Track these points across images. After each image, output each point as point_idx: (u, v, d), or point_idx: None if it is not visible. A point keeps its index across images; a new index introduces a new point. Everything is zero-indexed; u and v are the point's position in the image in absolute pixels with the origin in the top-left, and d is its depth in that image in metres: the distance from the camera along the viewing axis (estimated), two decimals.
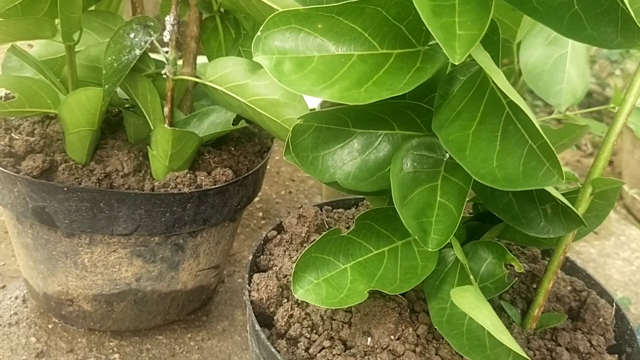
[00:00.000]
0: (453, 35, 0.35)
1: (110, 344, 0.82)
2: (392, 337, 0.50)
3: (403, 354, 0.49)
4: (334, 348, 0.50)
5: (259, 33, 0.41)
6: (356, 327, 0.52)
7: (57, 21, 0.66)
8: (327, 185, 0.50)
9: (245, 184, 0.77)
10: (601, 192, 0.51)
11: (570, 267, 0.67)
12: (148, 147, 0.72)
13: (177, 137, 0.68)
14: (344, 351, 0.50)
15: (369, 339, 0.50)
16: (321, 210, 0.66)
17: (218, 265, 0.86)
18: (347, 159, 0.48)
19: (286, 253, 0.61)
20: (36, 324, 0.83)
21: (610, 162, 1.59)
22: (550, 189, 0.44)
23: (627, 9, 0.37)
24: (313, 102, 1.10)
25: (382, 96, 0.40)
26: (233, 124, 0.75)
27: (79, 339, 0.82)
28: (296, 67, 0.41)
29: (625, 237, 1.31)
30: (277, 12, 0.41)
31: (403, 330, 0.51)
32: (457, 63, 0.34)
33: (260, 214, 1.19)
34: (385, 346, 0.50)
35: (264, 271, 0.59)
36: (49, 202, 0.67)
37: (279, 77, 0.41)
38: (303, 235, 0.61)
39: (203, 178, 0.73)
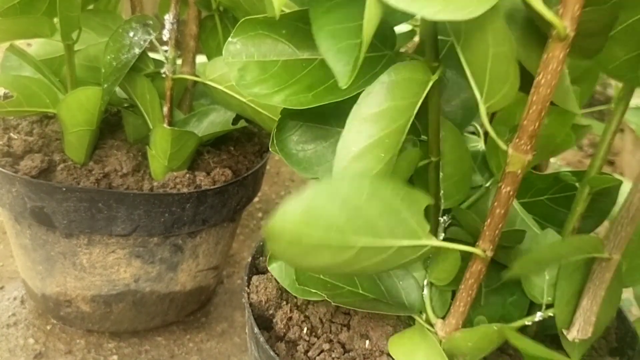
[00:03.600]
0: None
1: (109, 345, 0.81)
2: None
3: None
4: (333, 351, 0.49)
5: (230, 39, 0.43)
6: (354, 330, 0.51)
7: (55, 20, 0.66)
8: None
9: (244, 184, 0.77)
10: (602, 190, 0.51)
11: None
12: (147, 146, 0.72)
13: (176, 137, 0.68)
14: (343, 354, 0.50)
15: (367, 341, 0.50)
16: None
17: (217, 266, 0.85)
18: (330, 156, 0.48)
19: None
20: (34, 325, 0.83)
21: (612, 163, 1.58)
22: None
23: None
24: None
25: (325, 100, 0.41)
26: (232, 124, 0.74)
27: (78, 340, 0.81)
28: (260, 71, 0.43)
29: None
30: (245, 18, 0.43)
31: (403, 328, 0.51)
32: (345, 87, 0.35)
33: (260, 214, 1.19)
34: (383, 349, 0.49)
35: (263, 273, 0.58)
36: (47, 202, 0.67)
37: (238, 80, 0.43)
38: None
39: (202, 178, 0.73)
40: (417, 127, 0.48)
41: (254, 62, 0.43)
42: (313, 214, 0.35)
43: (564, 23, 0.32)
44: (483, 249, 0.42)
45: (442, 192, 0.48)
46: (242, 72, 0.43)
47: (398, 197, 0.38)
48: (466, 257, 0.45)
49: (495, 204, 0.40)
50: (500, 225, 0.41)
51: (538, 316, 0.47)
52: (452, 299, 0.48)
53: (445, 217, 0.48)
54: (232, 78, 0.43)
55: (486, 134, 0.57)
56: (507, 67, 0.36)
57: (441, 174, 0.47)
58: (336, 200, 0.35)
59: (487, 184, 0.51)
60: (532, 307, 0.50)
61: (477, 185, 0.52)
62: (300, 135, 0.48)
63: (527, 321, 0.47)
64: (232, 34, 0.44)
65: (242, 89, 0.43)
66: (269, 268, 0.49)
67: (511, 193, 0.39)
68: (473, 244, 0.43)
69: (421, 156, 0.46)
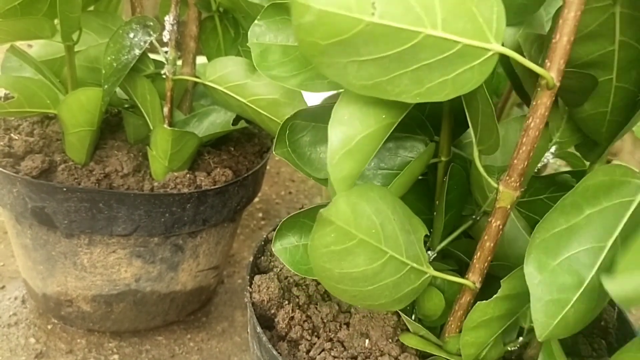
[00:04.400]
0: None
1: (110, 344, 0.82)
2: (390, 340, 0.50)
3: (404, 358, 0.49)
4: (333, 350, 0.50)
5: (256, 21, 0.44)
6: (354, 328, 0.52)
7: (56, 21, 0.66)
8: (326, 186, 0.50)
9: (244, 185, 0.77)
10: None
11: None
12: (147, 147, 0.72)
13: (176, 138, 0.68)
14: (343, 352, 0.50)
15: (367, 340, 0.50)
16: None
17: (218, 266, 0.86)
18: None
19: None
20: (35, 324, 0.83)
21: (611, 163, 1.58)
22: None
23: None
24: (313, 102, 1.09)
25: (340, 89, 0.41)
26: (233, 124, 0.74)
27: (78, 340, 0.81)
28: (281, 54, 0.44)
29: None
30: (272, 3, 0.43)
31: (402, 333, 0.51)
32: None
33: (260, 214, 1.19)
34: (383, 349, 0.49)
35: (265, 272, 0.58)
36: (48, 202, 0.67)
37: (259, 62, 0.44)
38: None
39: (202, 178, 0.73)
40: (429, 129, 0.49)
41: (277, 45, 0.44)
42: (359, 213, 0.37)
43: (551, 74, 0.35)
44: (473, 281, 0.43)
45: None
46: (264, 54, 0.44)
47: (408, 219, 0.40)
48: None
49: (486, 237, 0.41)
50: (489, 258, 0.42)
51: (519, 341, 0.47)
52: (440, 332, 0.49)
53: (430, 252, 0.49)
54: (254, 59, 0.44)
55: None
56: (492, 124, 0.39)
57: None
58: (373, 207, 0.38)
59: (475, 216, 0.50)
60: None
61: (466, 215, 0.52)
62: (312, 137, 0.48)
63: (511, 347, 0.48)
64: (258, 17, 0.44)
65: (263, 70, 0.44)
66: (273, 249, 0.50)
67: (501, 227, 0.41)
68: (458, 272, 0.44)
69: (430, 155, 0.47)
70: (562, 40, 0.34)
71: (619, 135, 0.42)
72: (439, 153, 0.48)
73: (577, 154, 0.51)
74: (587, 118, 0.43)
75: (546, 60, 0.35)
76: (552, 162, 1.44)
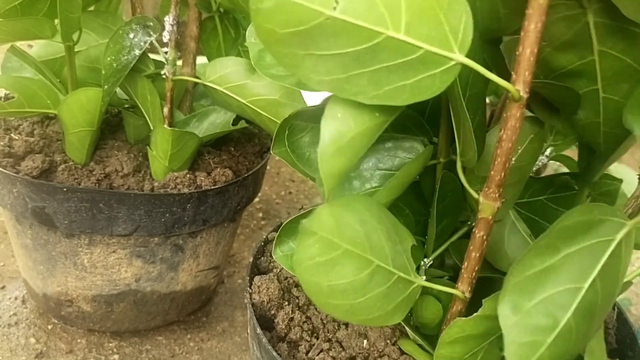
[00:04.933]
0: None
1: (110, 344, 0.82)
2: (389, 341, 0.50)
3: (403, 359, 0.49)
4: (332, 350, 0.50)
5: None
6: (353, 328, 0.52)
7: (56, 21, 0.66)
8: None
9: (245, 185, 0.77)
10: (602, 192, 0.51)
11: None
12: (148, 147, 0.72)
13: (176, 138, 0.68)
14: (341, 352, 0.50)
15: (365, 341, 0.50)
16: None
17: (218, 266, 0.86)
18: None
19: None
20: (36, 324, 0.83)
21: None
22: None
23: None
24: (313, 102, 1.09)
25: None
26: (233, 125, 0.75)
27: (79, 340, 0.81)
28: None
29: None
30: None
31: (400, 335, 0.51)
32: None
33: (260, 214, 1.19)
34: (381, 350, 0.49)
35: (265, 273, 0.58)
36: (48, 202, 0.67)
37: (257, 61, 0.44)
38: None
39: (203, 178, 0.73)
40: (428, 130, 0.49)
41: None
42: (342, 223, 0.37)
43: (516, 87, 0.34)
44: (462, 291, 0.43)
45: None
46: (262, 53, 0.44)
47: (394, 229, 0.40)
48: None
49: (471, 247, 0.41)
50: (476, 268, 0.42)
51: None
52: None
53: (426, 260, 0.49)
54: (252, 58, 0.44)
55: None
56: (470, 137, 0.39)
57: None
58: (357, 217, 0.37)
59: (470, 222, 0.51)
60: None
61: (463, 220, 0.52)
62: (311, 137, 0.48)
63: None
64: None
65: (260, 69, 0.44)
66: (274, 257, 0.50)
67: (485, 237, 0.41)
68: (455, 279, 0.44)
69: (429, 157, 0.47)
70: (525, 53, 0.33)
71: (607, 162, 0.42)
72: (437, 155, 0.48)
73: (571, 157, 0.51)
74: (584, 127, 0.43)
75: (512, 73, 0.34)
76: (552, 163, 1.44)
